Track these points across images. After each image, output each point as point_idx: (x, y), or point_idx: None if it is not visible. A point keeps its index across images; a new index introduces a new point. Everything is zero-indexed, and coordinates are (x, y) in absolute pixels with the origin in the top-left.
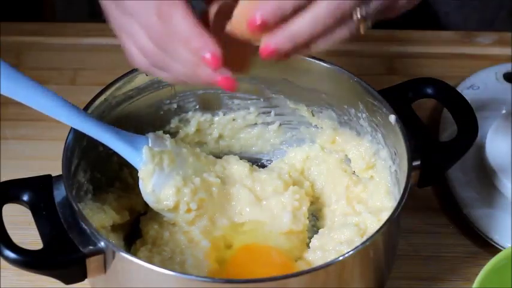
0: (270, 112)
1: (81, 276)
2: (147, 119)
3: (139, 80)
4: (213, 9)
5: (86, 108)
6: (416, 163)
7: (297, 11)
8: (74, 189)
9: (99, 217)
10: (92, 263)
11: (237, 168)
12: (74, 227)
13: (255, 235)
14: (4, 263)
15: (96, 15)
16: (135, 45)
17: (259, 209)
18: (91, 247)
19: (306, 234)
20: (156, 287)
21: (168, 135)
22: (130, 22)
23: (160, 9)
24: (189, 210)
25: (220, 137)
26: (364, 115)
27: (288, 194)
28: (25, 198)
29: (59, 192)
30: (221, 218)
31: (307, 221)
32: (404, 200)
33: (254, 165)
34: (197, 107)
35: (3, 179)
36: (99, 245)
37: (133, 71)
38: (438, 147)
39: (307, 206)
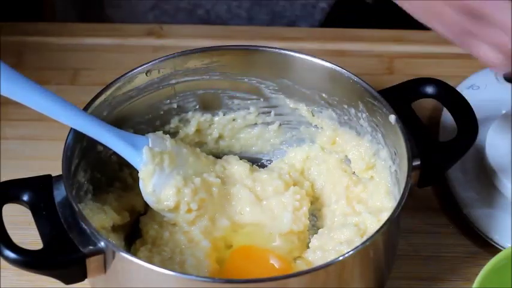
0: (270, 112)
1: (81, 276)
2: (147, 119)
3: (139, 80)
4: None
5: (86, 108)
6: (416, 163)
7: None
8: (74, 189)
9: (99, 217)
10: (92, 263)
11: (237, 168)
12: (74, 227)
13: (256, 236)
14: (4, 263)
15: (89, 16)
16: (492, 43)
17: (259, 209)
18: (91, 247)
19: (306, 234)
20: (156, 287)
21: (168, 135)
22: (480, 24)
23: None
24: (189, 211)
25: (220, 137)
26: (364, 115)
27: (289, 194)
28: (25, 198)
29: (59, 192)
30: (221, 218)
31: (308, 221)
32: (404, 200)
33: (254, 165)
34: (197, 107)
35: (3, 179)
36: (99, 245)
37: (133, 70)
38: (438, 147)
39: (307, 206)
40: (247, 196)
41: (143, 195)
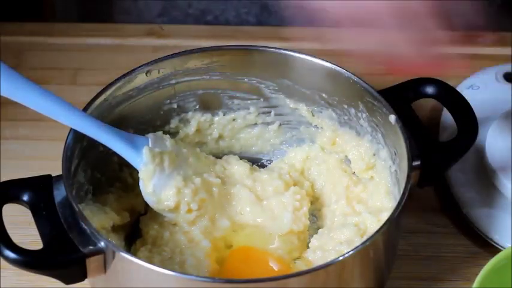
0: (270, 112)
1: (81, 276)
2: (147, 119)
3: (139, 80)
4: None
5: (86, 108)
6: (416, 163)
7: None
8: (74, 189)
9: (99, 218)
10: (92, 263)
11: (238, 168)
12: (74, 227)
13: (256, 236)
14: (4, 263)
15: (89, 16)
16: None
17: (259, 209)
18: (91, 247)
19: (307, 234)
20: (156, 287)
21: (168, 135)
22: None
23: None
24: (189, 211)
25: (220, 137)
26: (364, 115)
27: (289, 194)
28: (25, 198)
29: (59, 192)
30: (222, 218)
31: (308, 221)
32: (404, 200)
33: (254, 165)
34: (197, 107)
35: (3, 179)
36: (99, 245)
37: (133, 70)
38: (438, 147)
39: (307, 206)
40: (248, 196)
41: (143, 195)
